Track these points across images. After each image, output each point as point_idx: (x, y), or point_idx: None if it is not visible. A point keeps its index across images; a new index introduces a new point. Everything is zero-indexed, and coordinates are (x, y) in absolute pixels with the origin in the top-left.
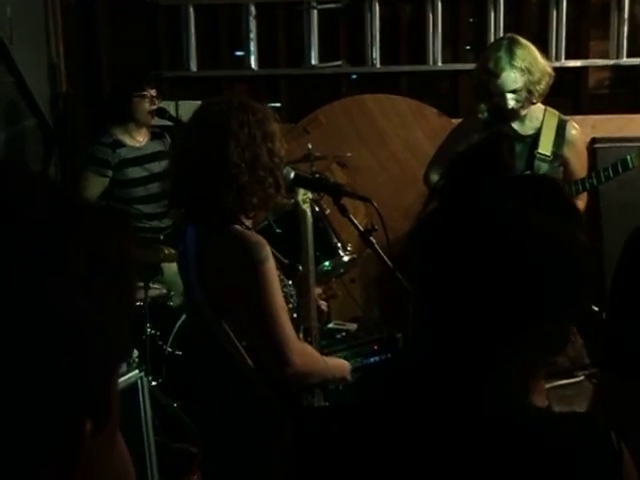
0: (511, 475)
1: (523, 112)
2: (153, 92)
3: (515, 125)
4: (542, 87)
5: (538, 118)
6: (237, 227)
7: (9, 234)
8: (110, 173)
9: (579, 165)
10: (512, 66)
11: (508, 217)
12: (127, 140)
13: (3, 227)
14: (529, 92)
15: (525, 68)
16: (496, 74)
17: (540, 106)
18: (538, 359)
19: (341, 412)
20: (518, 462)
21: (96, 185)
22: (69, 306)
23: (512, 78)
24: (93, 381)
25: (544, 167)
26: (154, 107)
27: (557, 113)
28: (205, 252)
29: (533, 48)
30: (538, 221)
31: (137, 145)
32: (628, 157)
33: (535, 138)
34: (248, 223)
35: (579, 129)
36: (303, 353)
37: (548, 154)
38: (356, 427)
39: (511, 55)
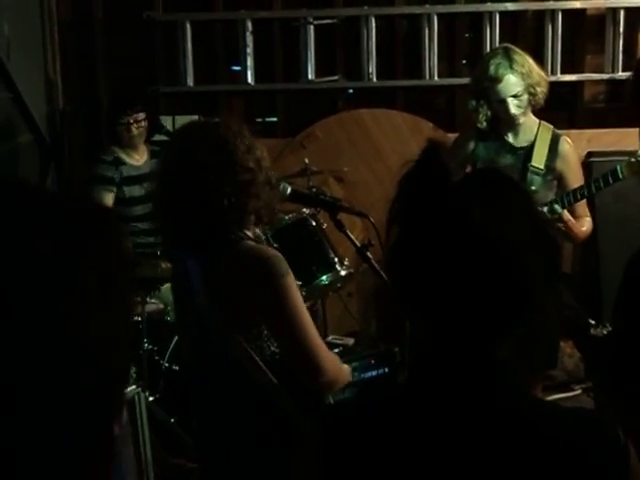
0: (526, 469)
1: (522, 119)
2: (133, 118)
3: (509, 137)
4: (542, 90)
5: (532, 131)
6: (249, 242)
7: (24, 268)
8: (115, 189)
9: (573, 179)
10: (513, 70)
11: (467, 215)
12: (126, 158)
13: (16, 261)
14: (531, 95)
15: (525, 72)
16: (497, 79)
17: (535, 120)
18: (534, 350)
19: (364, 407)
20: (532, 456)
21: (107, 202)
22: (89, 332)
23: (513, 82)
24: (118, 393)
25: (537, 180)
26: (135, 132)
27: (551, 127)
28: (217, 270)
29: (528, 56)
30: (495, 212)
31: (136, 164)
32: (618, 167)
33: (528, 151)
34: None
35: (572, 144)
36: (333, 360)
37: (541, 167)
38: (379, 422)
39: (510, 60)
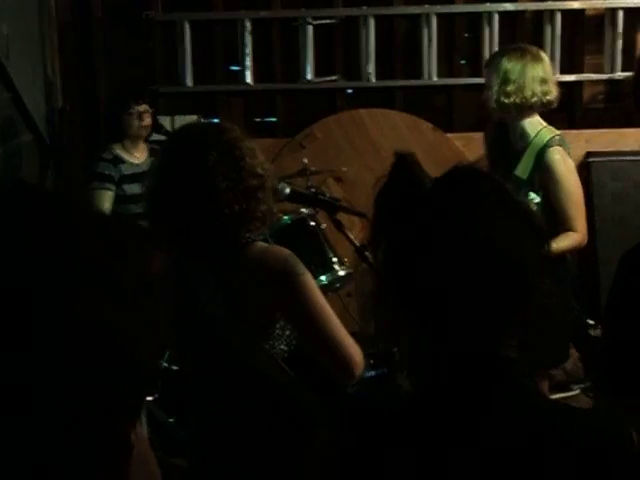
0: (541, 470)
1: (496, 116)
2: (142, 108)
3: (511, 139)
4: (508, 101)
5: (530, 136)
6: (261, 243)
7: (65, 268)
8: (114, 188)
9: (559, 192)
10: (494, 66)
11: (452, 218)
12: (126, 156)
13: (59, 261)
14: (500, 99)
15: (502, 74)
16: (485, 65)
17: (538, 123)
18: (541, 344)
19: (379, 411)
20: (546, 458)
21: (106, 200)
22: (125, 330)
23: (487, 74)
24: (142, 396)
25: (518, 190)
26: (144, 123)
27: (553, 133)
28: (231, 272)
29: (534, 66)
30: (477, 210)
31: (136, 162)
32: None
33: (519, 157)
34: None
35: (561, 156)
36: (359, 351)
37: (524, 178)
38: (394, 427)
39: (502, 57)
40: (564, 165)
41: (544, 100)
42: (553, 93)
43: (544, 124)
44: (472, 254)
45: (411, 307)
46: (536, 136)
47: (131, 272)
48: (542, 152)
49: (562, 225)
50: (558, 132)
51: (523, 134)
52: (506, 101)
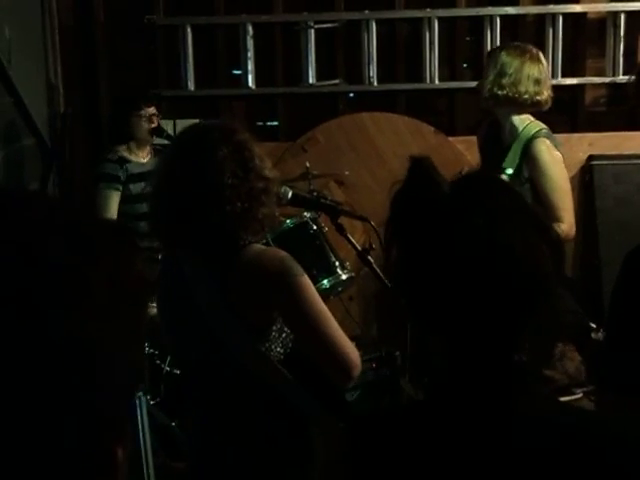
0: (562, 474)
1: (485, 104)
2: (151, 110)
3: (501, 135)
4: (501, 93)
5: (518, 129)
6: (259, 245)
7: (32, 274)
8: (121, 188)
9: (546, 185)
10: (493, 58)
11: (470, 224)
12: (131, 157)
13: (24, 268)
14: (494, 91)
15: (499, 66)
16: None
17: (525, 118)
18: (547, 348)
19: (391, 418)
20: (567, 461)
21: (114, 201)
22: (97, 337)
23: (485, 67)
24: (122, 409)
25: None
26: (153, 125)
27: (539, 127)
28: (228, 272)
29: (532, 66)
30: (494, 215)
31: (142, 161)
32: None
33: (506, 152)
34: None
35: (547, 147)
36: (356, 351)
37: (510, 171)
38: (407, 432)
39: (502, 50)
40: (550, 155)
41: (534, 99)
42: (544, 95)
43: (532, 119)
44: (492, 259)
45: (426, 311)
46: (524, 129)
47: (103, 275)
48: (528, 143)
49: (548, 216)
50: (546, 127)
51: (512, 129)
52: (499, 93)
